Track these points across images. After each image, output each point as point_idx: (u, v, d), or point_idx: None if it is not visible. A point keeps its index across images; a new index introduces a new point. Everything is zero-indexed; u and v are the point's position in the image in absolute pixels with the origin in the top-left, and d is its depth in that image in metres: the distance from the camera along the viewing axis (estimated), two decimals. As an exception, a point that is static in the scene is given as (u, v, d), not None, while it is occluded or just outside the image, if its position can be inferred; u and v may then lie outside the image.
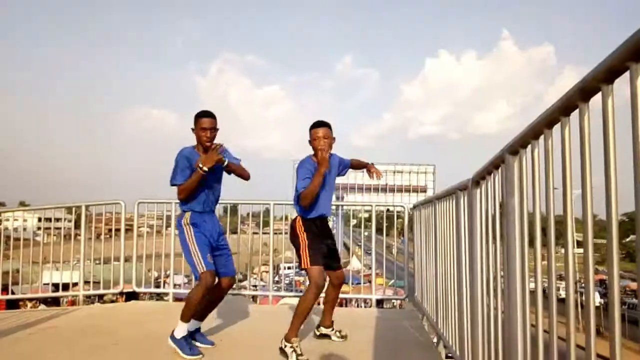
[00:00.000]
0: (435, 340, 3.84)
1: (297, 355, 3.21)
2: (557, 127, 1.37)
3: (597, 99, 1.14)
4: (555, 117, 1.34)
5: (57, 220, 6.85)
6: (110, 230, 6.36)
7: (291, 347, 3.27)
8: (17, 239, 6.44)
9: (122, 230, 6.00)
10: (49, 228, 6.52)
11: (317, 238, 3.59)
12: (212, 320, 4.61)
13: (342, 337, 3.81)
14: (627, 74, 1.01)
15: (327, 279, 3.66)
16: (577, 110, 1.23)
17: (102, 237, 6.47)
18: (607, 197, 1.09)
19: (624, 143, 1.06)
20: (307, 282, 3.69)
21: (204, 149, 3.39)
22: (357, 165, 3.99)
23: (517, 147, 1.73)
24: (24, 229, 7.04)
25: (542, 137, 1.49)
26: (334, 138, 3.60)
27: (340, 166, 3.85)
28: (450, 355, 3.32)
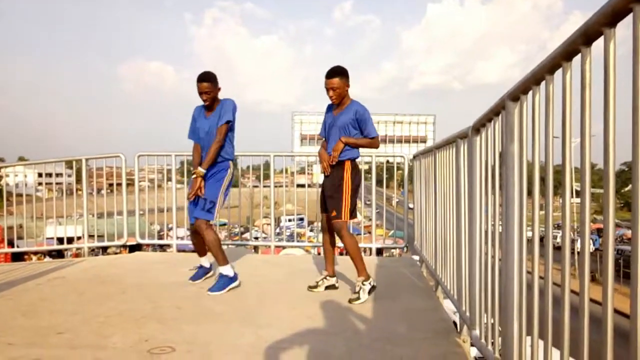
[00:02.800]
0: (433, 285, 3.93)
1: (372, 287, 3.60)
2: (559, 73, 1.35)
3: (599, 46, 1.11)
4: (557, 62, 1.31)
5: (58, 175, 6.87)
6: (111, 185, 6.39)
7: (369, 282, 3.60)
8: (19, 195, 6.48)
9: (124, 184, 6.03)
10: (50, 183, 6.54)
11: (356, 188, 3.79)
12: (216, 270, 4.72)
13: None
14: (629, 18, 0.98)
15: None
16: (579, 56, 1.21)
17: (104, 191, 6.51)
18: (605, 144, 1.08)
19: (625, 93, 1.05)
20: (310, 233, 3.87)
21: (206, 110, 3.92)
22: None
23: (518, 93, 1.70)
24: (26, 185, 7.07)
25: (543, 82, 1.46)
26: (347, 84, 3.67)
27: (348, 122, 3.70)
28: (448, 299, 3.41)
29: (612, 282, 1.12)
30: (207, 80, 3.77)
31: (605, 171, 1.08)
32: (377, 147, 3.83)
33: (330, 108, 3.84)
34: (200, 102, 3.91)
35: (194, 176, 3.84)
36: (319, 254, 9.18)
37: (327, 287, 3.88)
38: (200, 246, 4.12)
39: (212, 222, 3.88)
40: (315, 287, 3.84)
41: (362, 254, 3.96)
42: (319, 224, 4.53)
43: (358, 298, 3.51)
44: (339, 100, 3.68)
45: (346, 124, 3.69)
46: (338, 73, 3.64)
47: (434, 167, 3.80)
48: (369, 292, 3.58)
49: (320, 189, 4.02)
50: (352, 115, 3.68)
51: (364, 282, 3.58)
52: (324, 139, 3.91)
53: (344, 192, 3.69)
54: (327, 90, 3.66)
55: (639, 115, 0.92)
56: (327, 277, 3.91)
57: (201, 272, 4.20)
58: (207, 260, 4.21)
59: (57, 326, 2.87)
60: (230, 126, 3.89)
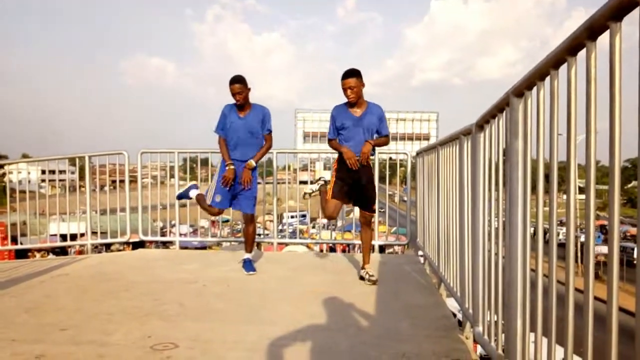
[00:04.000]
0: (436, 282, 3.93)
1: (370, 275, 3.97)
2: (563, 68, 1.33)
3: (605, 41, 1.10)
4: (562, 57, 1.30)
5: (61, 172, 6.88)
6: (114, 181, 6.40)
7: (366, 272, 4.03)
8: (22, 192, 6.49)
9: (127, 181, 6.03)
10: (53, 180, 6.55)
11: None
12: (219, 265, 4.73)
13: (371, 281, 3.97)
14: (636, 12, 0.97)
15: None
16: (584, 51, 1.19)
17: (107, 188, 6.52)
18: (610, 140, 1.07)
19: (630, 88, 1.04)
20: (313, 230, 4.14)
21: (238, 108, 4.32)
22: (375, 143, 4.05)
23: (522, 88, 1.69)
24: (29, 182, 7.08)
25: (548, 78, 1.45)
26: (363, 84, 3.91)
27: (375, 123, 3.99)
28: (451, 296, 3.40)
29: (617, 278, 1.11)
30: (239, 82, 4.20)
31: (610, 167, 1.07)
32: (388, 144, 4.20)
33: (343, 110, 3.99)
34: (227, 102, 4.37)
35: (232, 167, 4.30)
36: (321, 250, 9.15)
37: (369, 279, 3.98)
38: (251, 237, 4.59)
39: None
40: (312, 192, 4.43)
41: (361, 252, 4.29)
42: (321, 220, 4.63)
43: (376, 281, 3.90)
44: (356, 98, 3.89)
45: (373, 125, 3.97)
46: (354, 74, 3.88)
47: (437, 164, 3.79)
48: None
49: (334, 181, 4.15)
50: (377, 118, 3.98)
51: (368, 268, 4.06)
52: (332, 139, 4.09)
53: (375, 188, 4.23)
54: (345, 90, 3.87)
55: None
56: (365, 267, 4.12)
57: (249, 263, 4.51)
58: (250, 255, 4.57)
59: (61, 323, 2.88)
60: None
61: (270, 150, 6.15)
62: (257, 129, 4.34)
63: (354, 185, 4.06)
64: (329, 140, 4.09)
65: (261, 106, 4.41)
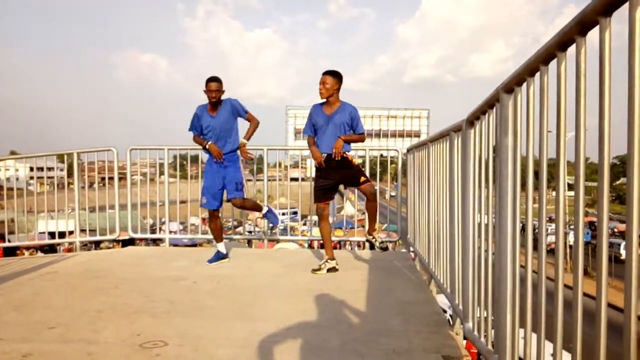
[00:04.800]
0: (426, 279, 3.94)
1: (380, 242, 4.49)
2: (553, 64, 1.34)
3: (595, 38, 1.10)
4: (552, 52, 1.30)
5: (50, 169, 6.81)
6: (103, 179, 6.35)
7: (373, 238, 4.49)
8: (10, 189, 6.42)
9: (116, 178, 5.98)
10: (42, 177, 6.48)
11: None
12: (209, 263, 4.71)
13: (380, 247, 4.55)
14: (625, 10, 0.97)
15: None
16: (574, 46, 1.20)
17: (96, 185, 6.46)
18: (600, 137, 1.08)
19: (619, 86, 1.04)
20: (316, 218, 4.71)
21: (211, 106, 4.56)
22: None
23: (512, 84, 1.69)
24: (17, 179, 7.00)
25: (538, 74, 1.45)
26: (337, 85, 4.20)
27: (346, 121, 4.23)
28: (441, 293, 3.42)
29: (605, 273, 1.12)
30: (216, 81, 4.49)
31: (600, 163, 1.08)
32: (364, 141, 4.46)
33: (318, 109, 4.30)
34: (201, 103, 4.64)
35: (210, 142, 4.57)
36: (312, 247, 9.15)
37: (329, 270, 4.19)
38: (217, 232, 4.77)
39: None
40: (319, 269, 4.18)
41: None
42: (313, 217, 4.68)
43: (387, 247, 4.38)
44: (326, 95, 4.16)
45: (343, 122, 4.20)
46: (332, 73, 4.21)
47: (428, 160, 3.80)
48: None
49: (314, 182, 4.48)
50: (348, 116, 4.20)
51: (377, 235, 4.49)
52: (309, 136, 4.37)
53: (359, 169, 4.41)
54: (319, 84, 4.16)
55: (635, 107, 0.91)
56: (329, 260, 4.23)
57: (218, 256, 4.72)
58: (223, 246, 4.78)
59: (49, 321, 2.85)
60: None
61: (260, 147, 6.17)
62: (231, 121, 4.63)
63: (333, 183, 4.39)
64: (305, 137, 4.43)
65: (228, 99, 4.64)
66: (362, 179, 4.34)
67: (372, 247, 4.85)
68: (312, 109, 4.35)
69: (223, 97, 4.58)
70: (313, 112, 4.33)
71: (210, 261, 4.68)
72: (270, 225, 5.76)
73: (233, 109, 4.61)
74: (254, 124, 4.73)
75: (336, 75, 4.20)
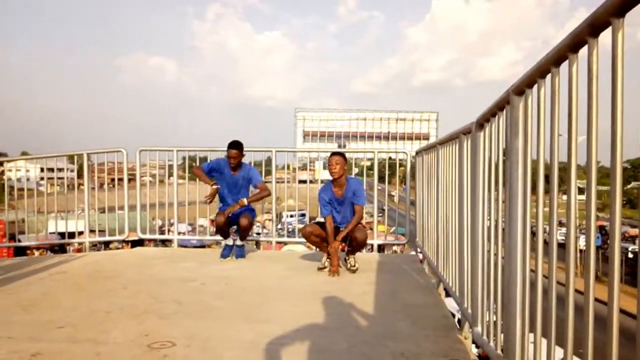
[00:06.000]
0: (435, 282, 3.92)
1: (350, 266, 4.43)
2: (565, 66, 1.32)
3: (607, 40, 1.09)
4: (563, 54, 1.28)
5: (60, 170, 6.86)
6: (113, 179, 6.39)
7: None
8: (21, 189, 6.48)
9: (125, 179, 6.02)
10: (52, 178, 6.54)
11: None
12: (217, 263, 4.72)
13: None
14: (638, 11, 0.96)
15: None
16: (585, 48, 1.18)
17: (106, 186, 6.49)
18: (612, 139, 1.06)
19: (633, 87, 1.03)
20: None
21: (230, 168, 4.99)
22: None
23: (523, 86, 1.67)
24: (27, 179, 7.06)
25: (549, 75, 1.44)
26: (346, 165, 4.57)
27: (349, 197, 4.49)
28: (449, 296, 3.39)
29: (617, 278, 1.10)
30: (236, 149, 4.91)
31: (612, 167, 1.06)
32: (362, 214, 4.59)
33: (329, 192, 4.55)
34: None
35: (216, 186, 4.96)
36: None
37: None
38: (223, 228, 5.01)
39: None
40: (324, 267, 4.38)
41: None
42: (321, 219, 4.66)
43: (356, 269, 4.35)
44: (338, 175, 4.46)
45: (350, 200, 4.49)
46: (342, 154, 4.57)
47: (437, 163, 3.78)
48: None
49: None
50: (352, 193, 4.48)
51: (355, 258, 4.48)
52: (326, 217, 4.53)
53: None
54: (332, 165, 4.46)
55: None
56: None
57: (229, 250, 5.05)
58: (231, 240, 5.08)
59: (58, 321, 2.86)
60: None
61: (269, 149, 6.19)
62: (245, 185, 5.05)
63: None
64: (325, 217, 4.55)
65: (248, 167, 5.13)
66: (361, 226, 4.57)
67: (380, 249, 4.84)
68: (322, 193, 4.57)
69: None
70: (324, 195, 4.55)
71: (224, 256, 5.01)
72: (279, 227, 5.87)
73: (250, 176, 5.02)
74: (263, 194, 5.03)
75: (344, 156, 4.59)
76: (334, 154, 4.56)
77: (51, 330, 2.71)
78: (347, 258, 4.51)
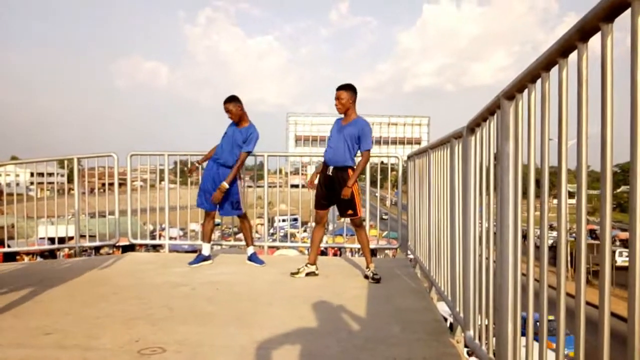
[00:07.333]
0: (427, 286, 3.92)
1: (374, 274, 4.17)
2: (555, 70, 1.33)
3: (597, 45, 1.10)
4: (553, 59, 1.29)
5: (50, 175, 6.81)
6: (103, 184, 6.35)
7: (371, 271, 4.22)
8: (10, 194, 6.41)
9: (116, 184, 5.98)
10: (42, 183, 6.48)
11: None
12: (208, 269, 4.69)
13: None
14: (627, 16, 0.97)
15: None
16: (575, 53, 1.19)
17: (96, 191, 6.45)
18: (602, 144, 1.07)
19: (621, 93, 1.03)
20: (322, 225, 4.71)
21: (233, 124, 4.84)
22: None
23: (513, 91, 1.68)
24: (17, 184, 7.00)
25: (539, 80, 1.45)
26: (353, 98, 4.26)
27: (354, 135, 4.24)
28: (441, 300, 3.39)
29: (609, 281, 1.11)
30: (228, 102, 4.73)
31: (602, 171, 1.07)
32: (368, 160, 4.39)
33: (338, 122, 4.39)
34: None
35: (197, 166, 5.17)
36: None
37: (307, 274, 4.28)
38: (208, 233, 4.95)
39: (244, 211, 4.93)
40: (297, 273, 4.29)
41: (357, 254, 4.29)
42: (313, 224, 4.66)
43: (378, 281, 4.08)
44: (343, 109, 4.25)
45: (353, 136, 4.22)
46: (346, 87, 4.24)
47: (428, 167, 3.79)
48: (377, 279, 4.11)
49: (315, 190, 4.53)
50: (358, 130, 4.21)
51: (374, 270, 4.21)
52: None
53: (355, 204, 4.30)
54: (335, 100, 4.23)
55: (638, 114, 0.91)
56: (308, 265, 4.32)
57: (200, 258, 4.88)
58: (208, 248, 4.94)
59: (47, 327, 2.83)
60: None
61: (261, 153, 6.17)
62: (237, 144, 4.79)
63: (327, 192, 4.38)
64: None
65: (253, 127, 4.83)
66: (350, 212, 4.35)
67: (373, 254, 4.81)
68: (335, 123, 4.44)
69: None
70: (334, 125, 4.42)
71: (191, 263, 4.83)
72: (271, 232, 5.81)
73: (245, 138, 4.78)
74: (238, 163, 4.77)
75: (350, 89, 4.25)
76: (338, 88, 4.28)
77: (40, 336, 2.68)
78: (367, 272, 4.27)
